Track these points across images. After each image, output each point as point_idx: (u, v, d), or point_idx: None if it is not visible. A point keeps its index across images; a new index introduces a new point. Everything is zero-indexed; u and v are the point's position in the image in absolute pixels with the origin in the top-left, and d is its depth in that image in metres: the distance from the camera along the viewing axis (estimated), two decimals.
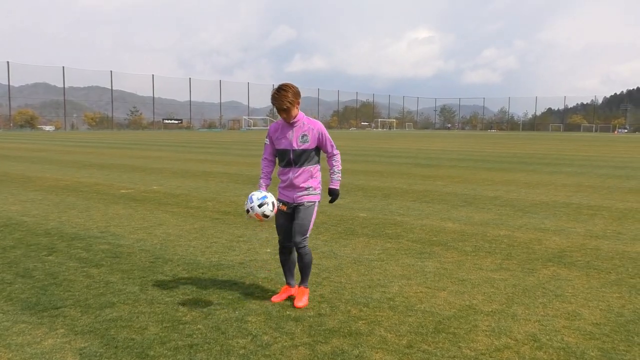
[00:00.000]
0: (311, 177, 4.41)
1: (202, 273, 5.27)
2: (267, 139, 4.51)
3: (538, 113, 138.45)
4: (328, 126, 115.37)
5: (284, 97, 4.19)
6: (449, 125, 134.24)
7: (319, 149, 4.46)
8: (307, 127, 4.36)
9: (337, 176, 4.50)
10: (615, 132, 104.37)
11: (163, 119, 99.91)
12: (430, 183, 13.22)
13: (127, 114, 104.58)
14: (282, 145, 4.38)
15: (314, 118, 4.53)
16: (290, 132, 4.35)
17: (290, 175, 4.37)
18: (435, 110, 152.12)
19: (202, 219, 8.13)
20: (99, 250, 6.14)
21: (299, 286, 4.54)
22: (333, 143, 4.47)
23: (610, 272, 5.44)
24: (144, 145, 32.25)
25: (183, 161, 19.88)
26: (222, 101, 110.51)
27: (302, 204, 4.40)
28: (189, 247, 6.33)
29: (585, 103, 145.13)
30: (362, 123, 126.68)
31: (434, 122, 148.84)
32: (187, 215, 8.50)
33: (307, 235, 4.41)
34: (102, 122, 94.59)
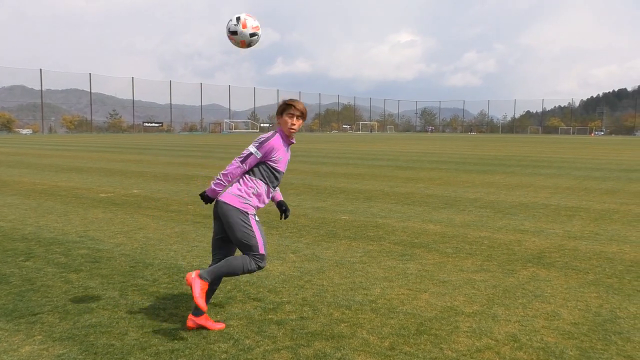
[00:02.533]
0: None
1: (183, 277, 5.22)
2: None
3: (517, 116, 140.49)
4: (309, 129, 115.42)
5: (302, 104, 3.95)
6: (431, 127, 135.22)
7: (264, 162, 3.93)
8: None
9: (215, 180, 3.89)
10: (592, 135, 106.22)
11: (143, 122, 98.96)
12: (411, 185, 13.30)
13: (107, 117, 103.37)
14: (281, 166, 3.97)
15: None
16: (288, 152, 4.03)
17: (271, 194, 4.05)
18: (416, 113, 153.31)
19: (183, 223, 8.07)
20: (77, 255, 6.05)
21: (198, 270, 3.89)
22: (244, 154, 3.85)
23: (588, 272, 5.53)
24: (124, 149, 31.89)
25: (163, 164, 19.70)
26: (203, 104, 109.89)
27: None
28: (170, 251, 6.27)
29: (562, 106, 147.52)
30: (344, 126, 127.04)
31: (414, 124, 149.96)
32: (168, 219, 8.42)
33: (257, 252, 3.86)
34: (81, 126, 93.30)
